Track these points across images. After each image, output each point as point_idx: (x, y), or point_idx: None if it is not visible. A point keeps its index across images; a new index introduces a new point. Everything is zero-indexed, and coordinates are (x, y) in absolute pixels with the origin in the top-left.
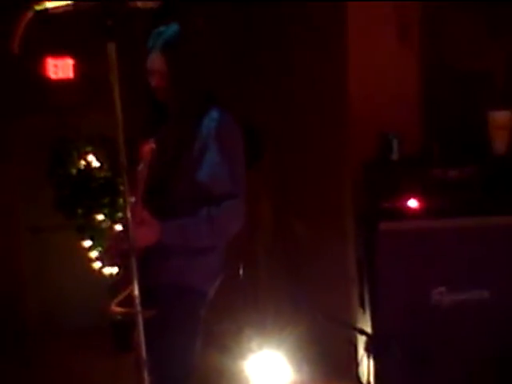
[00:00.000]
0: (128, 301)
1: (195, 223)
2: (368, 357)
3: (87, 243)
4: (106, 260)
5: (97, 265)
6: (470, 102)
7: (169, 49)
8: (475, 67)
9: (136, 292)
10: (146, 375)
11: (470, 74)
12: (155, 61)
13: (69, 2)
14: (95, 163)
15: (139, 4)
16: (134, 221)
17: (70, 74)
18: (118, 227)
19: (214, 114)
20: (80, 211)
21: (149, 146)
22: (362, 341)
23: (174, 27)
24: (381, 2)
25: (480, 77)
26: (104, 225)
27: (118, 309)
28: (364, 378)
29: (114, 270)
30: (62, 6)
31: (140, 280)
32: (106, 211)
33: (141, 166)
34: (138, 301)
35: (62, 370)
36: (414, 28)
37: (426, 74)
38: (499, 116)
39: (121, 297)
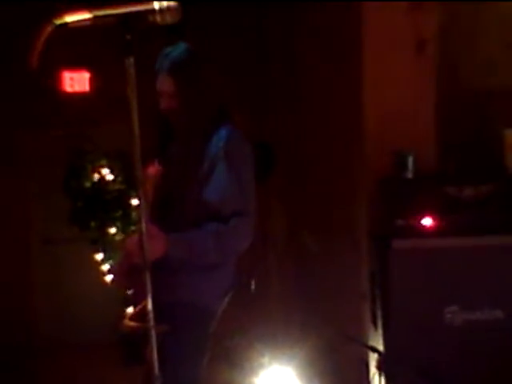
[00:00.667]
0: (140, 316)
1: (202, 239)
2: (379, 375)
3: (99, 256)
4: (115, 278)
5: (109, 278)
6: (486, 121)
7: (176, 70)
8: (492, 85)
9: (149, 307)
10: None
11: (486, 92)
12: (164, 82)
13: (88, 16)
14: (109, 176)
15: (158, 19)
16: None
17: (86, 88)
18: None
19: (223, 132)
20: (93, 224)
21: (154, 168)
22: (373, 358)
23: (180, 47)
24: (397, 20)
25: (496, 95)
26: (116, 238)
27: (131, 323)
28: None
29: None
30: (82, 20)
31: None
32: (118, 224)
33: (146, 187)
34: (151, 316)
35: (72, 382)
36: (431, 46)
37: (442, 91)
38: None
39: (133, 312)
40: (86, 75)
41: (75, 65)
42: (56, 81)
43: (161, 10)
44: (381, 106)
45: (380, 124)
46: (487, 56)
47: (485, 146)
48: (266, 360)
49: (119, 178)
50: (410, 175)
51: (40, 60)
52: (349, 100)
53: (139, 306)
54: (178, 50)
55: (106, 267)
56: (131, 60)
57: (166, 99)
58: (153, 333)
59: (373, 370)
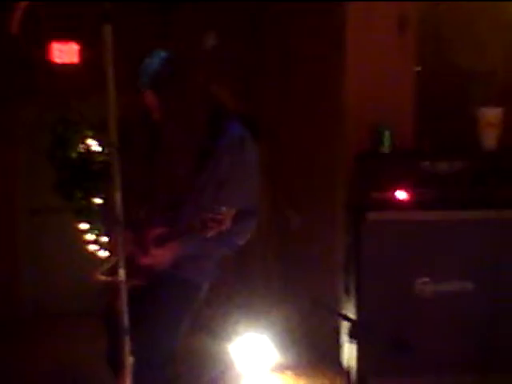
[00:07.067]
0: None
1: (212, 242)
2: (351, 342)
3: (84, 226)
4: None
5: (93, 247)
6: (463, 99)
7: (155, 84)
8: (472, 64)
9: (121, 261)
10: (127, 341)
11: (465, 71)
12: (148, 98)
13: None
14: (95, 147)
15: None
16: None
17: (75, 59)
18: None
19: (233, 131)
20: (79, 194)
21: None
22: (346, 326)
23: (157, 58)
24: None
25: (476, 73)
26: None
27: (103, 277)
28: (346, 363)
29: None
30: None
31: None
32: (103, 195)
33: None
34: (122, 270)
35: (54, 353)
36: (412, 24)
37: (423, 69)
38: (489, 113)
39: (106, 266)
40: (75, 47)
41: (64, 36)
42: (45, 52)
43: None
44: (361, 83)
45: (360, 101)
46: (469, 36)
47: (462, 124)
48: (241, 328)
49: (105, 149)
50: (386, 150)
51: (26, 29)
52: (330, 77)
53: (113, 260)
54: (155, 61)
55: (90, 237)
56: (108, 28)
57: (156, 112)
58: (123, 286)
59: (345, 337)
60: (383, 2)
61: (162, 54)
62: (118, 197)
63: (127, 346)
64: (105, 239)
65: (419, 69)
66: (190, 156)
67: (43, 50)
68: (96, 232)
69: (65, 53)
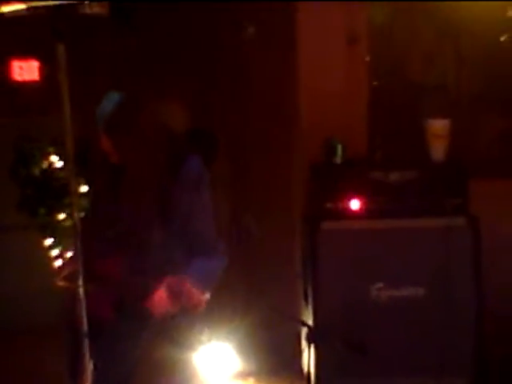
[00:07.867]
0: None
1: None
2: (309, 347)
3: (48, 242)
4: None
5: (58, 263)
6: (415, 111)
7: (109, 128)
8: (424, 76)
9: (80, 267)
10: (86, 349)
11: (418, 83)
12: (103, 141)
13: (23, 6)
14: (58, 164)
15: (87, 10)
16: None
17: (35, 76)
18: None
19: (188, 169)
20: (42, 211)
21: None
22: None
23: (111, 101)
24: (330, 12)
25: (427, 87)
26: (65, 224)
27: (63, 283)
28: (306, 368)
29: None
30: (17, 11)
31: None
32: (67, 211)
33: None
34: (81, 276)
35: (19, 369)
36: (363, 38)
37: (376, 83)
38: (436, 124)
39: (66, 272)
40: (35, 64)
41: (24, 53)
42: (5, 69)
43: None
44: (315, 98)
45: (314, 113)
46: (421, 50)
47: (412, 135)
48: (204, 336)
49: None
50: (339, 161)
51: None
52: (284, 90)
53: (72, 267)
54: (109, 104)
55: (54, 252)
56: (62, 47)
57: (113, 156)
58: (81, 291)
59: (304, 343)
60: (333, 15)
61: (116, 96)
62: (75, 206)
63: (87, 350)
64: (69, 254)
65: (376, 83)
66: (151, 198)
67: (2, 67)
68: (60, 248)
69: (25, 70)
